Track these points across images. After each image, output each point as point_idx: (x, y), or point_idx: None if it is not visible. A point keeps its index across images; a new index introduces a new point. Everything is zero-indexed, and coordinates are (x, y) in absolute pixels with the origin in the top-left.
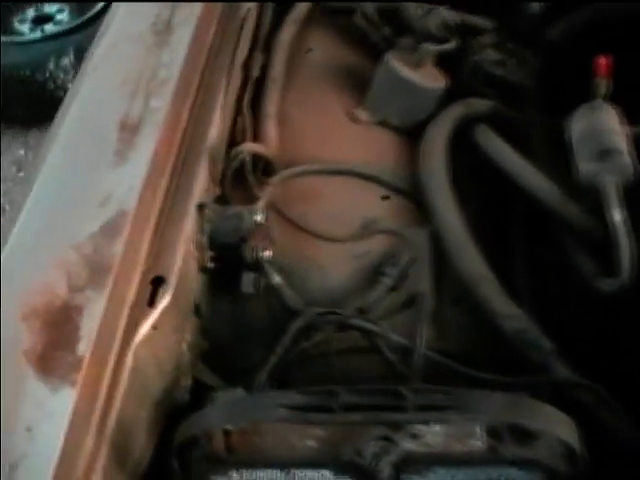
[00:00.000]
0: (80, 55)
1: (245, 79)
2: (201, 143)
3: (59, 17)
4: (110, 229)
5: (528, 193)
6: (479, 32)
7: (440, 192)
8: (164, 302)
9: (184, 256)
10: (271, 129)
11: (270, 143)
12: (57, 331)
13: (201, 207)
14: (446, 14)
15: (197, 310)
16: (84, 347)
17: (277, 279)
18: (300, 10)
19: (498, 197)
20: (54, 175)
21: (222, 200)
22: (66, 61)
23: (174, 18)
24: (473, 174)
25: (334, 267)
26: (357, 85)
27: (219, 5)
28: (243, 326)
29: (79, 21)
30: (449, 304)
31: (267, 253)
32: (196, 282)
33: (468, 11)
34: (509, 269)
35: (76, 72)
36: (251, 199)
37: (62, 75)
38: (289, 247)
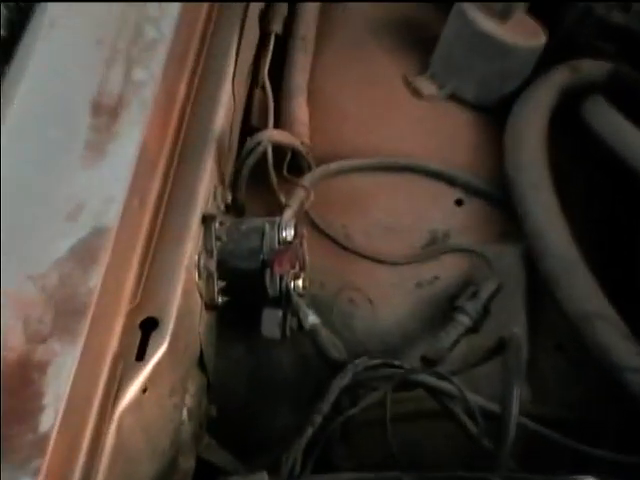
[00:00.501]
0: None
1: (263, 38)
2: (205, 130)
3: None
4: (83, 253)
5: None
6: None
7: (537, 194)
8: (158, 354)
9: (185, 289)
10: (300, 109)
11: (299, 129)
12: (12, 398)
13: (207, 220)
14: None
15: (202, 363)
16: (49, 421)
17: (312, 318)
18: None
19: (619, 197)
20: (3, 179)
21: (236, 209)
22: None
23: None
24: (583, 166)
25: (388, 299)
26: (417, 46)
27: None
28: (265, 383)
29: None
30: (550, 351)
31: (298, 282)
32: (201, 324)
33: None
34: (636, 300)
35: (23, 22)
36: (275, 207)
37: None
38: (328, 273)
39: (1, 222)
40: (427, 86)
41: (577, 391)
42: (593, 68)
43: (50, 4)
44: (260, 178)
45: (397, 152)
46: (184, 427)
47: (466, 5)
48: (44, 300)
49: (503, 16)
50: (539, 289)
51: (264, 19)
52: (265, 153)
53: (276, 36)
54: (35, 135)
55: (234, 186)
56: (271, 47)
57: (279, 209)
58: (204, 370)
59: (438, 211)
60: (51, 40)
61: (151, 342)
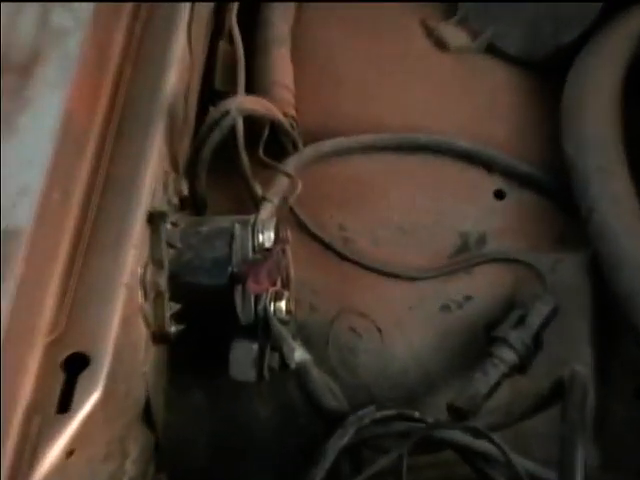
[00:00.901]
0: None
1: None
2: (151, 97)
3: None
4: None
5: None
6: None
7: (607, 182)
8: (88, 403)
9: (124, 314)
10: (281, 66)
11: (281, 94)
12: None
13: (155, 219)
14: None
15: (149, 416)
16: None
17: (299, 354)
18: None
19: None
20: None
21: (194, 205)
22: None
23: None
24: None
25: (405, 329)
26: None
27: None
28: (234, 443)
29: None
30: (627, 398)
31: (280, 305)
32: (147, 362)
33: None
34: None
35: None
36: (248, 202)
37: None
38: (321, 292)
39: None
40: (455, 35)
41: None
42: None
43: None
44: (227, 162)
45: (413, 127)
46: None
47: None
48: None
49: None
50: (610, 312)
51: None
52: (234, 127)
53: None
54: None
55: (192, 173)
56: None
57: (254, 204)
58: (151, 426)
59: (471, 207)
60: None
61: (79, 387)
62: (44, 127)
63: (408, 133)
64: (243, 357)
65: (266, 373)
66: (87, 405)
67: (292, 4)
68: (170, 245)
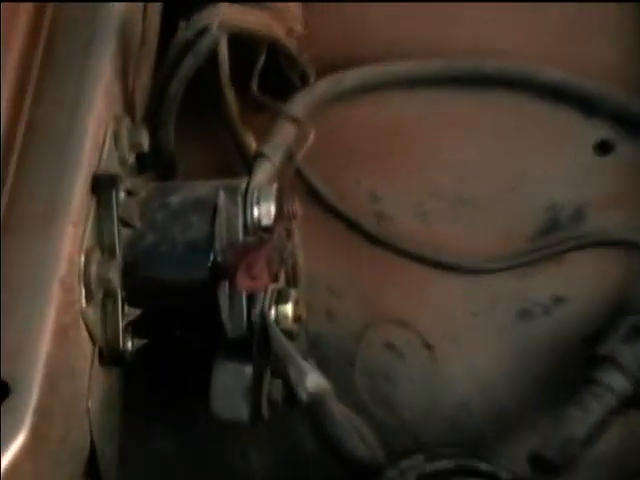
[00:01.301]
0: None
1: None
2: (94, 6)
3: None
4: None
5: None
6: None
7: None
8: (11, 449)
9: (59, 324)
10: None
11: (285, 3)
12: None
13: (103, 185)
14: None
15: (93, 465)
16: None
17: (313, 380)
18: None
19: None
20: None
21: (159, 165)
22: None
23: None
24: None
25: (468, 344)
26: None
27: None
28: None
29: None
30: None
31: (284, 309)
32: (94, 393)
33: None
34: None
35: None
36: (237, 158)
37: None
38: (344, 291)
39: None
40: None
41: None
42: None
43: None
44: (206, 102)
45: (475, 50)
46: None
47: None
48: None
49: None
50: None
51: None
52: (215, 51)
53: None
54: None
55: (155, 119)
56: None
57: (245, 163)
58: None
59: (563, 165)
60: None
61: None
62: None
63: (465, 57)
64: (230, 386)
65: (264, 410)
66: (8, 452)
67: None
68: (125, 223)
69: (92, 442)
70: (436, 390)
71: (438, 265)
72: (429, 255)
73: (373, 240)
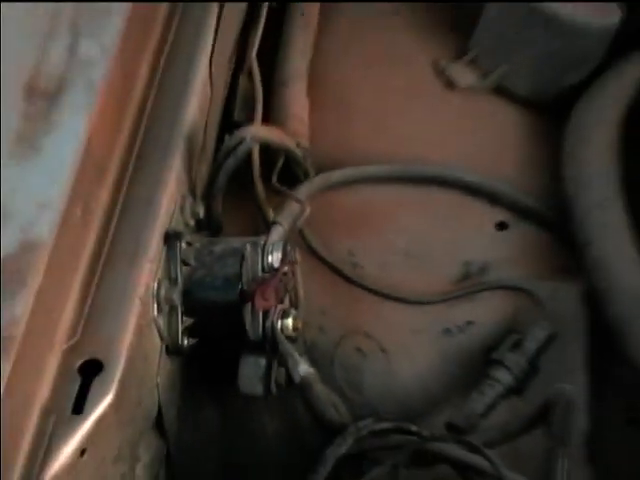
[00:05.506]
0: None
1: (254, 8)
2: (172, 125)
3: None
4: (7, 274)
5: None
6: None
7: (604, 216)
8: (101, 406)
9: (139, 325)
10: (297, 100)
11: (295, 125)
12: None
13: (171, 238)
14: None
15: (160, 423)
16: None
17: (303, 368)
18: None
19: None
20: None
21: (209, 227)
22: None
23: None
24: None
25: (407, 349)
26: (452, 24)
27: None
28: (241, 452)
29: None
30: (621, 423)
31: (287, 322)
32: (160, 374)
33: None
34: None
35: None
36: (260, 225)
37: None
38: (329, 314)
39: None
40: (465, 74)
41: None
42: None
43: None
44: (242, 188)
45: (422, 159)
46: None
47: None
48: None
49: None
50: (605, 339)
51: None
52: (249, 155)
53: (270, 7)
54: None
55: (208, 197)
56: (262, 21)
57: (266, 227)
58: (163, 435)
59: (475, 237)
60: None
61: (93, 391)
62: (67, 149)
63: (416, 165)
64: (251, 372)
65: (273, 388)
66: (99, 408)
67: (310, 40)
68: (185, 263)
69: (159, 407)
70: (388, 380)
71: (392, 298)
72: (386, 291)
73: (349, 281)
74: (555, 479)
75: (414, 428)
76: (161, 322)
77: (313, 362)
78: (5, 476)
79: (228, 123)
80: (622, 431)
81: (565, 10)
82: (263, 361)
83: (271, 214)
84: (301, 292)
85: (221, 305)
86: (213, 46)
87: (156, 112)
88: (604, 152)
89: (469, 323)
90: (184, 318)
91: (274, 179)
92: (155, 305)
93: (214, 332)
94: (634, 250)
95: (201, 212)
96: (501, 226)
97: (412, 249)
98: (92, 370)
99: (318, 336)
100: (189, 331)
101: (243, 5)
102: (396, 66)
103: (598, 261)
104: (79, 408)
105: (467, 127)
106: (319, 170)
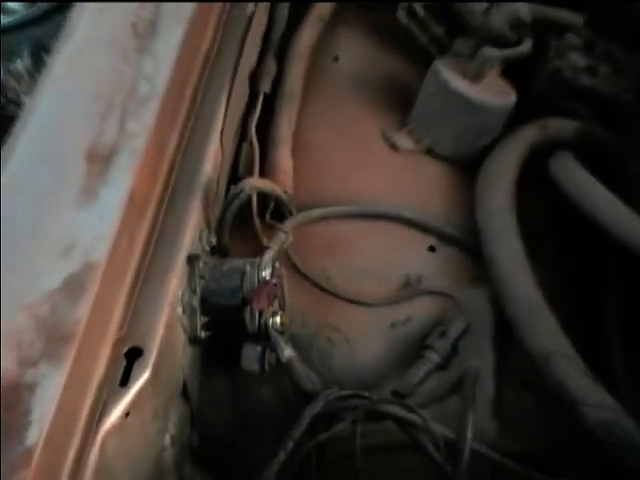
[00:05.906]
0: (38, 57)
1: (252, 95)
2: (193, 178)
3: (11, 5)
4: (73, 286)
5: (623, 243)
6: (563, 29)
7: (503, 240)
8: (141, 380)
9: (169, 322)
10: (284, 159)
11: (283, 178)
12: (5, 413)
13: (192, 259)
14: (519, 7)
15: (185, 392)
16: (35, 435)
17: (287, 352)
18: (324, 6)
19: (583, 247)
20: (3, 218)
21: (220, 251)
22: (19, 65)
23: (159, 17)
24: (550, 218)
25: (364, 339)
26: (397, 103)
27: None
28: (245, 413)
29: (37, 11)
30: (516, 387)
31: (276, 319)
32: (184, 356)
33: (553, 3)
34: (599, 343)
35: (32, 81)
36: (257, 250)
37: (14, 84)
38: (308, 313)
39: (1, 256)
40: (405, 141)
41: (542, 426)
42: (561, 126)
43: (57, 61)
44: (244, 223)
45: (375, 201)
46: (167, 452)
47: (441, 66)
48: (35, 328)
49: (476, 77)
50: (506, 330)
51: (254, 78)
52: (249, 199)
53: (264, 94)
54: (34, 180)
55: (219, 229)
56: (259, 106)
57: (261, 252)
58: (187, 399)
59: (412, 256)
60: (53, 95)
61: (135, 370)
62: (117, 197)
63: (371, 205)
64: (250, 355)
65: (267, 367)
66: (139, 382)
67: (294, 114)
68: (202, 277)
69: (184, 381)
70: (350, 361)
71: (354, 302)
72: (350, 297)
73: (323, 290)
74: (464, 429)
75: (367, 394)
76: (185, 320)
77: (296, 348)
78: (73, 429)
79: (234, 177)
80: (518, 392)
81: (475, 94)
82: (259, 348)
83: (265, 241)
84: (287, 298)
85: (228, 308)
86: (224, 123)
87: (181, 170)
88: (504, 193)
89: (409, 319)
90: (201, 317)
91: (267, 217)
92: (180, 308)
93: (223, 327)
94: (526, 265)
95: (214, 240)
96: (432, 249)
97: (368, 266)
98: (134, 355)
99: (300, 330)
100: (205, 326)
101: (245, 95)
102: (357, 134)
103: (499, 274)
104: (125, 382)
105: (407, 178)
106: (300, 209)
